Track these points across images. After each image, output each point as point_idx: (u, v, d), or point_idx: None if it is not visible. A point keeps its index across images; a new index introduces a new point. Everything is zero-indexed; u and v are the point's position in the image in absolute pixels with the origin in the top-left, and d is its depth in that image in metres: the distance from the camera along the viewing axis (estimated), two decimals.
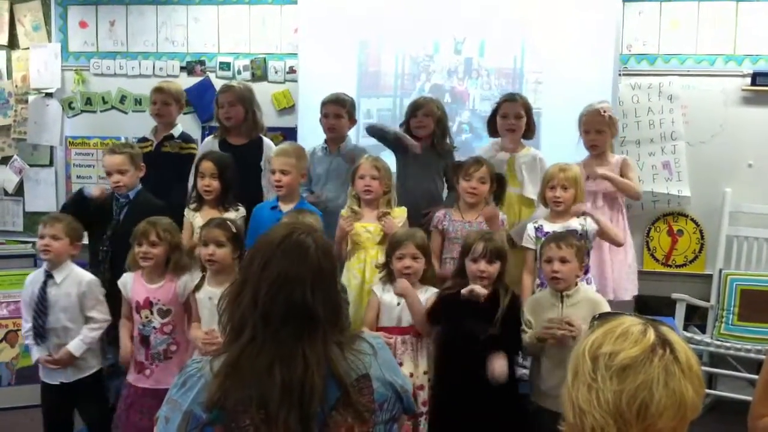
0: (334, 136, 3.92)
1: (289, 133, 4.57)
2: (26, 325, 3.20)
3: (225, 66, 4.73)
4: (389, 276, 3.09)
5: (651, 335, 1.21)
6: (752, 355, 3.82)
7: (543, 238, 3.20)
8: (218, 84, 4.54)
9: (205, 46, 4.78)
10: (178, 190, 3.79)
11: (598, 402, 1.17)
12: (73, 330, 3.15)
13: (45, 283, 3.15)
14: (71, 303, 3.14)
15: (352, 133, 4.09)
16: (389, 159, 3.76)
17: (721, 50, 4.21)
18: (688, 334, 3.99)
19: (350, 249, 3.37)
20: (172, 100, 4.08)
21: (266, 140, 4.05)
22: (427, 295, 3.02)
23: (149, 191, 3.64)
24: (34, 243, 3.85)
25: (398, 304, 3.03)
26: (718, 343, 3.94)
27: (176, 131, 4.09)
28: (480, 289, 2.87)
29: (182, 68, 4.79)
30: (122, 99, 4.89)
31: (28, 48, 4.98)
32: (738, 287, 4.05)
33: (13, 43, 5.05)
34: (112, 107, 4.91)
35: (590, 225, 3.30)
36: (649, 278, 3.93)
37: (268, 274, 1.54)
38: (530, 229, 3.36)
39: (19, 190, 5.08)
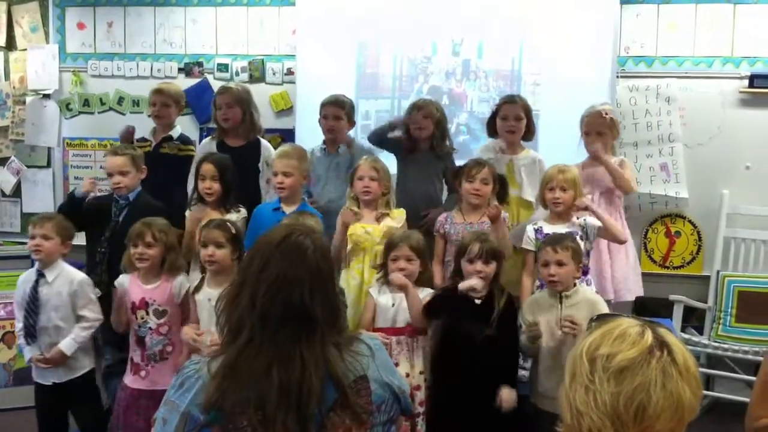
0: (333, 138, 3.92)
1: (287, 135, 4.57)
2: (18, 324, 3.21)
3: (223, 67, 4.73)
4: (385, 277, 3.09)
5: (648, 337, 1.21)
6: (750, 356, 3.82)
7: (542, 239, 3.20)
8: (216, 85, 4.53)
9: (203, 48, 4.77)
10: (179, 191, 3.79)
11: (596, 403, 1.18)
12: (64, 329, 3.15)
13: (36, 282, 3.16)
14: (63, 302, 3.15)
15: (350, 135, 4.09)
16: (389, 161, 3.77)
17: (719, 52, 4.22)
18: (686, 336, 3.99)
19: (349, 250, 3.37)
20: (171, 102, 4.08)
21: (264, 142, 4.05)
22: (422, 295, 3.03)
23: (146, 191, 3.63)
24: None
25: (393, 305, 3.04)
26: (716, 344, 3.95)
27: (175, 133, 4.09)
28: (478, 283, 2.88)
29: (180, 70, 4.79)
30: (120, 100, 4.88)
31: (25, 49, 4.98)
32: (735, 289, 4.05)
33: (10, 45, 5.04)
34: (110, 108, 4.90)
35: (590, 225, 3.31)
36: (647, 280, 3.93)
37: (267, 275, 1.54)
38: (530, 230, 3.36)
39: (17, 191, 5.08)
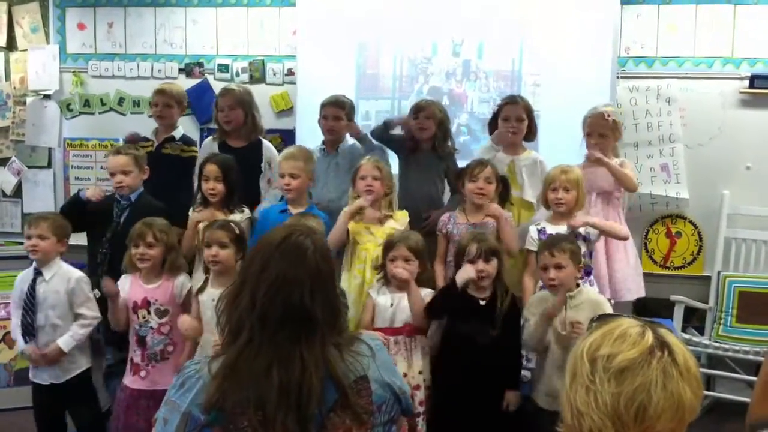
0: (333, 138, 3.93)
1: (288, 135, 4.57)
2: (14, 320, 3.21)
3: (223, 68, 4.73)
4: (385, 278, 3.10)
5: (649, 337, 1.21)
6: (750, 356, 3.82)
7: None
8: (216, 86, 4.54)
9: (203, 48, 4.78)
10: (183, 192, 3.78)
11: (596, 404, 1.17)
12: (61, 327, 3.16)
13: (34, 281, 3.17)
14: (60, 300, 3.16)
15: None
16: (391, 161, 3.77)
17: (719, 53, 4.22)
18: (687, 336, 3.99)
19: (351, 250, 3.37)
20: (173, 102, 4.08)
21: (265, 142, 4.06)
22: (422, 295, 3.03)
23: (148, 192, 3.63)
24: None
25: (391, 305, 3.04)
26: (717, 344, 3.94)
27: (177, 133, 4.09)
28: (473, 271, 2.89)
29: (180, 70, 4.79)
30: (120, 101, 4.89)
31: (26, 50, 4.98)
32: (736, 289, 4.05)
33: (11, 45, 5.05)
34: (111, 109, 4.91)
35: (592, 228, 3.31)
36: (648, 280, 3.92)
37: (267, 275, 1.54)
38: (533, 231, 3.36)
39: (18, 192, 5.08)
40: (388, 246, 3.08)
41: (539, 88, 4.31)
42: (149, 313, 3.07)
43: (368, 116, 4.47)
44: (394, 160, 3.90)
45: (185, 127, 4.38)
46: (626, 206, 3.86)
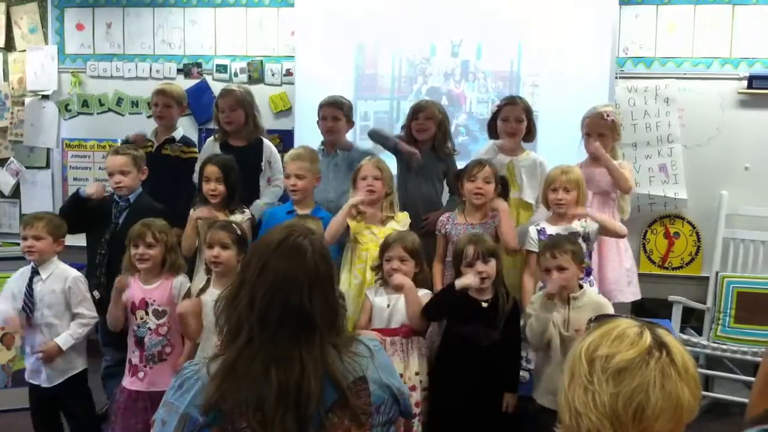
0: (332, 139, 3.93)
1: (286, 136, 4.57)
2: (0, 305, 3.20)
3: (222, 68, 4.73)
4: (382, 278, 3.10)
5: (647, 338, 1.21)
6: (748, 357, 3.82)
7: (545, 240, 3.21)
8: (215, 86, 4.54)
9: (201, 49, 4.78)
10: (184, 194, 3.78)
11: (595, 404, 1.17)
12: (58, 327, 3.16)
13: (31, 279, 3.17)
14: (56, 299, 3.16)
15: (349, 135, 4.09)
16: (389, 162, 3.77)
17: (718, 53, 4.22)
18: (685, 337, 3.99)
19: (352, 249, 3.37)
20: (173, 103, 4.08)
21: (266, 142, 4.05)
22: (419, 295, 3.03)
23: (147, 192, 3.63)
24: None
25: (388, 306, 3.04)
26: (715, 345, 3.95)
27: (177, 134, 4.09)
28: (474, 280, 2.89)
29: (179, 70, 4.79)
30: (119, 101, 4.88)
31: (24, 50, 4.98)
32: (734, 290, 4.05)
33: (9, 46, 5.05)
34: (109, 109, 4.91)
35: (591, 226, 3.31)
36: (646, 280, 3.93)
37: (265, 276, 1.54)
38: (532, 231, 3.36)
39: (16, 192, 5.08)
40: (385, 246, 3.08)
41: (538, 88, 4.31)
42: (147, 314, 3.06)
43: (367, 117, 4.47)
44: (392, 161, 3.89)
45: (184, 127, 4.38)
46: (628, 211, 3.82)
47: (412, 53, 4.46)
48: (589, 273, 3.30)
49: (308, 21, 4.53)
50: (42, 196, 4.98)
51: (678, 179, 4.25)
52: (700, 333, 4.11)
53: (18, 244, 4.33)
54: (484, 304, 2.93)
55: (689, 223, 4.32)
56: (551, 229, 3.31)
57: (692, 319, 4.25)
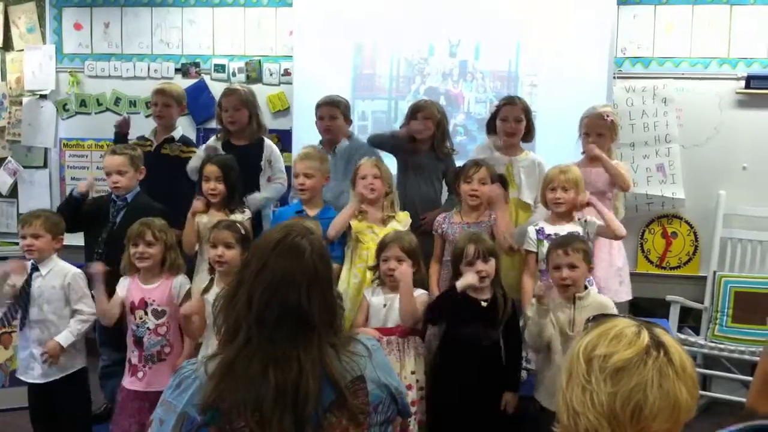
0: (330, 138, 3.93)
1: (284, 136, 4.57)
2: None
3: (220, 68, 4.72)
4: (379, 278, 3.10)
5: (645, 337, 1.21)
6: (746, 356, 3.83)
7: (544, 240, 3.21)
8: (213, 86, 4.54)
9: (200, 48, 4.77)
10: (184, 193, 3.77)
11: (592, 404, 1.18)
12: (56, 324, 3.15)
13: (30, 276, 3.17)
14: (55, 295, 3.16)
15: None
16: (389, 162, 3.77)
17: (716, 53, 4.23)
18: (682, 336, 4.00)
19: (353, 248, 3.37)
20: (173, 102, 4.08)
21: (267, 141, 4.06)
22: (415, 296, 3.03)
23: (146, 192, 3.63)
24: None
25: (385, 305, 3.04)
26: (712, 344, 3.96)
27: (176, 134, 4.09)
28: (475, 278, 2.89)
29: (177, 70, 4.79)
30: (117, 101, 4.88)
31: (22, 50, 4.98)
32: (732, 289, 4.06)
33: (7, 45, 5.05)
34: (107, 109, 4.91)
35: (591, 224, 3.31)
36: (644, 280, 3.93)
37: (263, 276, 1.54)
38: (531, 231, 3.36)
39: (13, 192, 5.08)
40: (382, 246, 3.07)
41: (536, 88, 4.31)
42: (146, 314, 3.06)
43: (365, 116, 4.48)
44: (391, 161, 3.89)
45: (182, 127, 4.38)
46: (623, 212, 3.82)
47: (410, 53, 4.46)
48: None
49: (306, 21, 4.53)
50: (39, 196, 4.98)
51: (676, 179, 4.25)
52: (697, 332, 4.12)
53: (16, 243, 4.33)
54: (484, 304, 2.93)
55: (687, 222, 4.32)
56: (550, 229, 3.31)
57: (690, 319, 4.25)
